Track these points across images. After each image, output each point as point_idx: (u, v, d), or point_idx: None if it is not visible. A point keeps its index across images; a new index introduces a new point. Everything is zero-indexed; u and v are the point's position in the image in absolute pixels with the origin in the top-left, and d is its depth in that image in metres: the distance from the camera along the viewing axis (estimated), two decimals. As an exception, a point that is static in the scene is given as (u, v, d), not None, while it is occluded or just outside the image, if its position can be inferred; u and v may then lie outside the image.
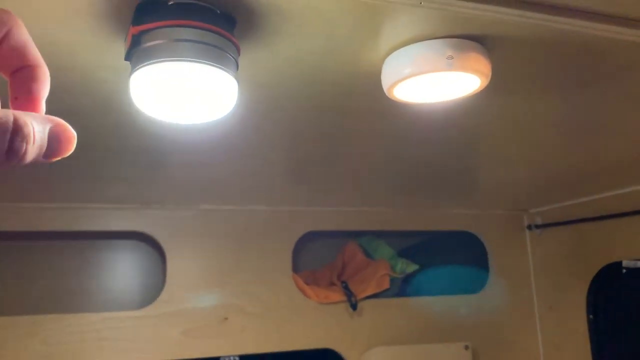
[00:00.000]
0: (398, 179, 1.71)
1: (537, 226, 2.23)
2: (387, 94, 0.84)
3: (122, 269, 2.09)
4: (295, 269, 2.00)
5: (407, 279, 2.12)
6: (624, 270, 1.86)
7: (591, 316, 1.97)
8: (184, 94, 0.66)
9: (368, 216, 2.09)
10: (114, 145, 1.21)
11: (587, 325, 1.98)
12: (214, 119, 0.72)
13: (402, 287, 2.10)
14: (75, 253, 2.04)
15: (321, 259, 2.26)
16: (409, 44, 0.78)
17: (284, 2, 0.67)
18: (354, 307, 1.93)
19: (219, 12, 0.67)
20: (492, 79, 0.80)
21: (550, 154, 1.44)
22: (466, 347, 2.02)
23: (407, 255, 2.20)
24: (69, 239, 2.01)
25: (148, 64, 0.63)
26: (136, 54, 0.65)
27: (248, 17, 0.70)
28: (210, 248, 1.90)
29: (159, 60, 0.63)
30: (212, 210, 1.91)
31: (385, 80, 0.81)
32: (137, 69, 0.64)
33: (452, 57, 0.75)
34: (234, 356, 1.87)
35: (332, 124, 1.10)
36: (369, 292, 1.97)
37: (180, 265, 1.86)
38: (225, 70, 0.66)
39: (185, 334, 1.82)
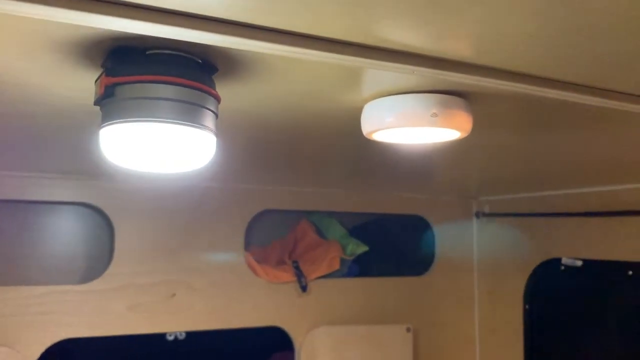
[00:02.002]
0: (353, 165, 1.70)
1: (485, 214, 2.29)
2: (365, 135, 0.82)
3: (66, 237, 2.02)
4: (246, 244, 1.99)
5: (356, 259, 2.15)
6: (563, 267, 1.95)
7: (527, 306, 2.08)
8: (160, 151, 0.62)
9: (322, 197, 2.08)
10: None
11: (522, 314, 2.08)
12: (189, 170, 0.68)
13: (351, 267, 2.14)
14: (13, 217, 1.95)
15: (272, 235, 2.26)
16: (393, 94, 0.75)
17: (266, 55, 0.63)
18: (304, 288, 1.96)
19: (200, 61, 0.62)
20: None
21: (504, 159, 1.46)
22: (408, 329, 2.09)
23: (358, 234, 2.23)
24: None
25: (122, 122, 0.58)
26: (109, 105, 0.60)
27: (230, 64, 0.66)
28: (161, 223, 1.86)
29: (135, 119, 0.58)
30: (165, 185, 1.86)
31: (366, 125, 0.79)
32: (110, 124, 0.59)
33: (436, 115, 0.73)
34: (180, 332, 1.87)
35: (302, 146, 1.07)
36: (320, 274, 2.00)
37: (129, 239, 1.82)
38: (204, 129, 0.62)
39: (131, 309, 1.79)
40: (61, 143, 1.23)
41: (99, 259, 1.95)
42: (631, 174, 1.61)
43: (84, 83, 0.70)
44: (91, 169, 1.66)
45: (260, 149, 1.23)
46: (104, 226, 1.98)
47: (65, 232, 2.02)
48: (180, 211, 1.88)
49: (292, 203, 2.05)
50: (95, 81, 0.64)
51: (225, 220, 1.93)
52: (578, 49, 0.61)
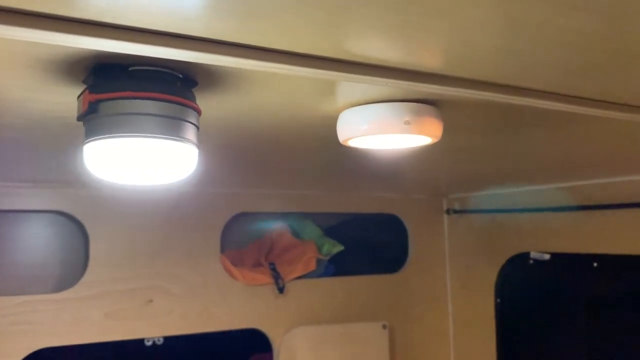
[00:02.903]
0: (328, 169, 1.73)
1: (455, 211, 2.35)
2: (341, 142, 0.84)
3: (40, 246, 2.00)
4: (222, 247, 2.00)
5: (332, 258, 2.18)
6: (531, 261, 2.02)
7: (498, 300, 2.14)
8: (144, 165, 0.64)
9: (296, 199, 2.11)
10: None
11: (494, 308, 2.14)
12: (172, 181, 0.70)
13: (327, 267, 2.17)
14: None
15: (248, 237, 2.27)
16: (367, 103, 0.78)
17: (245, 70, 0.65)
18: (281, 290, 1.98)
19: (180, 76, 0.64)
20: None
21: (472, 160, 1.51)
22: (384, 326, 2.13)
23: (333, 233, 2.26)
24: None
25: (107, 137, 0.60)
26: (92, 122, 0.61)
27: (210, 78, 0.67)
28: (136, 230, 1.86)
29: (119, 135, 0.60)
30: (138, 190, 1.85)
31: (342, 133, 0.82)
32: (95, 139, 0.61)
33: (409, 123, 0.76)
34: (158, 338, 1.87)
35: (280, 153, 1.09)
36: (297, 274, 2.02)
37: (104, 246, 1.81)
38: (186, 142, 0.64)
39: (108, 317, 1.79)
40: (38, 154, 1.23)
41: (73, 267, 1.94)
42: (594, 171, 1.67)
43: (64, 98, 0.71)
44: (66, 177, 1.66)
45: (237, 156, 1.25)
46: (77, 234, 1.97)
47: (38, 241, 2.00)
48: (155, 217, 1.88)
49: (268, 206, 2.07)
50: (78, 97, 0.65)
51: (201, 224, 1.94)
52: (544, 60, 0.65)
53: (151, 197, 1.86)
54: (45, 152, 1.21)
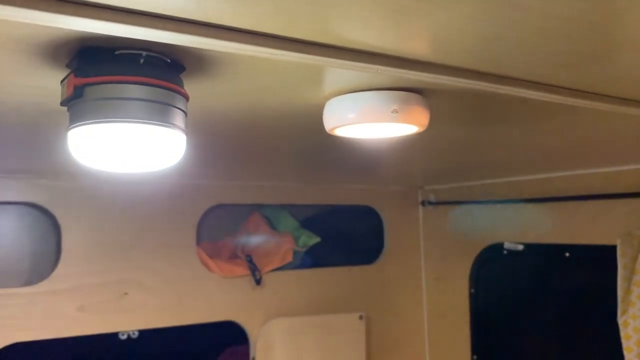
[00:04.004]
0: (308, 159, 1.73)
1: (430, 203, 2.37)
2: (327, 131, 0.84)
3: (9, 238, 1.95)
4: (197, 239, 1.98)
5: (309, 250, 2.18)
6: (505, 252, 2.05)
7: (472, 290, 2.17)
8: (130, 151, 0.62)
9: (273, 190, 2.10)
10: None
11: (468, 298, 2.17)
12: (159, 169, 0.68)
13: (304, 259, 2.17)
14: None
15: (224, 228, 2.25)
16: (354, 91, 0.78)
17: (233, 54, 0.64)
18: (258, 282, 1.97)
19: (168, 60, 0.63)
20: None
21: (450, 151, 1.53)
22: (360, 317, 2.14)
23: (309, 225, 2.25)
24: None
25: (93, 123, 0.58)
26: (77, 106, 0.59)
27: (197, 63, 0.66)
28: (110, 221, 1.82)
29: (106, 120, 0.58)
30: (113, 181, 1.82)
31: (329, 121, 0.81)
32: (80, 124, 0.59)
33: (396, 111, 0.76)
34: (133, 331, 1.85)
35: (262, 142, 1.08)
36: (273, 266, 2.02)
37: (77, 239, 1.77)
38: (174, 128, 0.62)
39: (82, 310, 1.76)
40: (12, 143, 1.19)
41: (44, 260, 1.89)
42: (565, 163, 1.71)
43: (46, 82, 0.69)
44: (39, 168, 1.62)
45: (219, 146, 1.24)
46: (48, 226, 1.92)
47: (7, 234, 1.95)
48: (129, 209, 1.85)
49: (244, 197, 2.06)
50: (62, 81, 0.63)
51: (176, 216, 1.92)
52: (532, 49, 0.65)
53: (126, 189, 1.83)
54: (20, 142, 1.18)
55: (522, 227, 2.00)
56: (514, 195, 2.00)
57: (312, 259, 2.18)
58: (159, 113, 0.61)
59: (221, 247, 2.13)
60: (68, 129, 0.61)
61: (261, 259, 2.03)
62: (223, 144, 1.20)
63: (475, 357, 2.17)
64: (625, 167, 1.69)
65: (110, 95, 0.58)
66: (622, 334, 1.61)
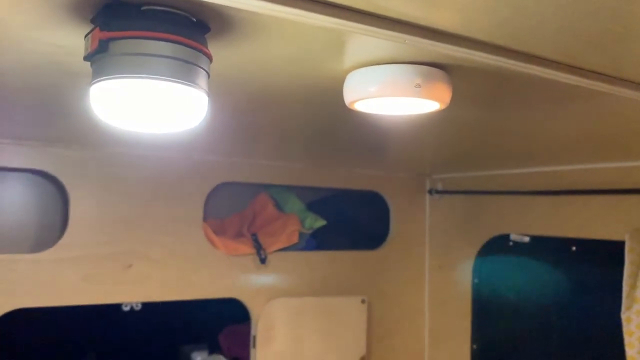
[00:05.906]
0: (320, 138, 1.72)
1: (438, 191, 2.36)
2: (347, 105, 0.83)
3: (16, 205, 1.95)
4: (204, 216, 1.98)
5: (314, 233, 2.18)
6: (511, 243, 2.05)
7: (476, 280, 2.17)
8: (153, 109, 0.62)
9: (281, 170, 2.09)
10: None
11: (471, 288, 2.17)
12: (180, 129, 0.67)
13: (308, 241, 2.17)
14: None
15: (231, 207, 2.26)
16: (377, 64, 0.77)
17: (262, 15, 0.63)
18: (262, 260, 1.97)
19: (194, 20, 0.62)
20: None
21: (464, 136, 1.52)
22: (363, 301, 2.14)
23: (315, 208, 2.25)
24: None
25: (117, 77, 0.58)
26: (101, 61, 0.59)
27: (223, 24, 0.65)
28: (119, 193, 1.82)
29: (130, 75, 0.57)
30: (122, 153, 1.82)
31: (349, 94, 0.80)
32: (103, 79, 0.58)
33: (419, 86, 0.75)
34: (136, 303, 1.85)
35: (277, 115, 1.07)
36: (279, 246, 2.02)
37: (85, 208, 1.77)
38: (197, 88, 0.62)
39: (86, 280, 1.76)
40: (26, 107, 1.19)
41: (51, 228, 1.90)
42: (578, 155, 1.70)
43: (66, 40, 0.68)
44: (51, 134, 1.61)
45: (231, 117, 1.23)
46: (56, 194, 1.93)
47: (15, 200, 1.95)
48: (138, 181, 1.84)
49: (252, 176, 2.05)
50: (86, 36, 0.62)
51: (185, 191, 1.91)
52: (562, 27, 0.64)
53: (136, 161, 1.82)
54: (34, 106, 1.17)
55: (529, 220, 2.00)
56: (522, 187, 1.99)
57: (317, 241, 2.18)
58: (184, 72, 0.60)
59: (227, 225, 2.13)
60: (91, 83, 0.61)
61: (267, 239, 2.03)
62: (237, 116, 1.19)
63: (474, 346, 2.18)
64: (638, 163, 1.67)
65: (135, 50, 0.58)
66: (625, 329, 1.61)
